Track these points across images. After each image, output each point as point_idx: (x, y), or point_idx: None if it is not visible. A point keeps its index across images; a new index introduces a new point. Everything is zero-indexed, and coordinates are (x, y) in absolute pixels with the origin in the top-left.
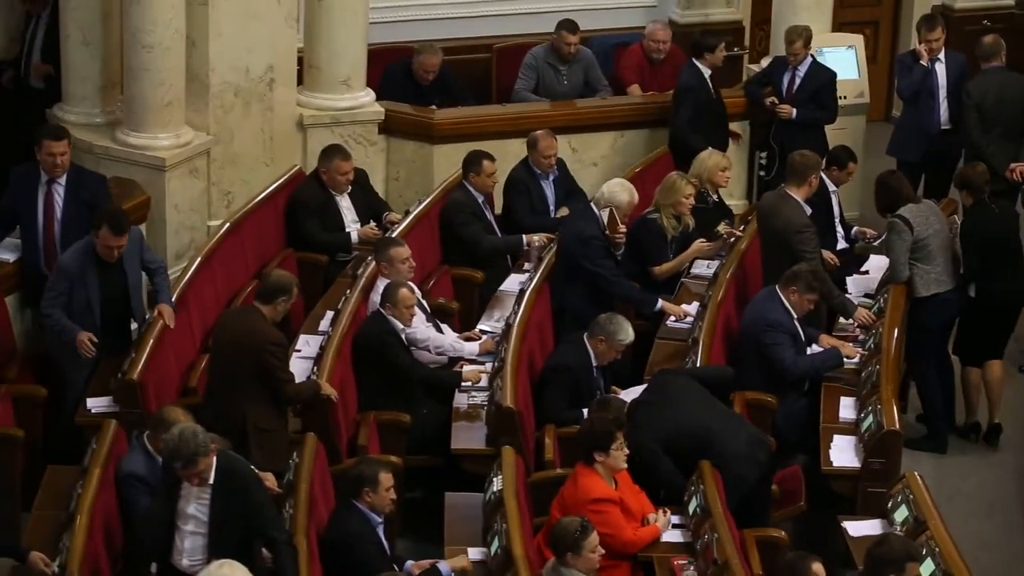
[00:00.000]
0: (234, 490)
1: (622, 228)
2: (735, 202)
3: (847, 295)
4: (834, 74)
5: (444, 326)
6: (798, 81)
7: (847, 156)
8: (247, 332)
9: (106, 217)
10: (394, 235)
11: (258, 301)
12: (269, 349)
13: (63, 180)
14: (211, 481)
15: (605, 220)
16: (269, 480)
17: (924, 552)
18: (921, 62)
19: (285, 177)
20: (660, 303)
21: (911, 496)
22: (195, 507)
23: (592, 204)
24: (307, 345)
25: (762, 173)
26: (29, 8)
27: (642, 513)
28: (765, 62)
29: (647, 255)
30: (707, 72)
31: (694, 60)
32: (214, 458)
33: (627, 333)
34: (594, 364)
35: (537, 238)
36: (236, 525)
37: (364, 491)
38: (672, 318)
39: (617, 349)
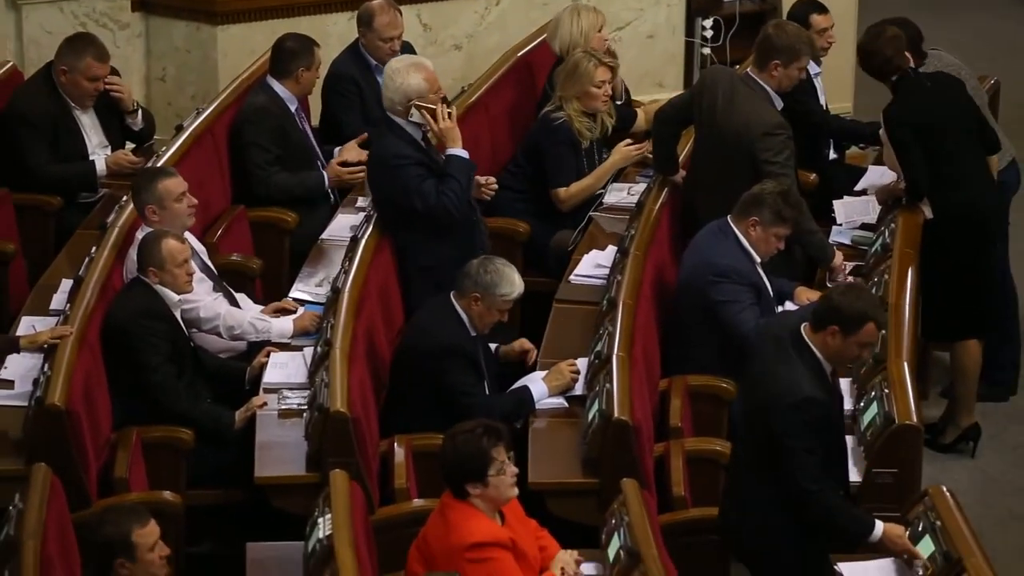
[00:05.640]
0: None
1: (446, 114)
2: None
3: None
4: None
5: (241, 296)
6: None
7: (809, 8)
8: None
9: None
10: (160, 162)
11: None
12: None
13: None
14: None
15: (418, 122)
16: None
17: None
18: None
19: None
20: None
21: (937, 522)
22: None
23: (391, 115)
24: (33, 330)
25: (706, 50)
26: None
27: (540, 561)
28: None
29: (551, 173)
30: None
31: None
32: None
33: (512, 283)
34: (472, 334)
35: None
36: None
37: (118, 564)
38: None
39: (500, 308)
